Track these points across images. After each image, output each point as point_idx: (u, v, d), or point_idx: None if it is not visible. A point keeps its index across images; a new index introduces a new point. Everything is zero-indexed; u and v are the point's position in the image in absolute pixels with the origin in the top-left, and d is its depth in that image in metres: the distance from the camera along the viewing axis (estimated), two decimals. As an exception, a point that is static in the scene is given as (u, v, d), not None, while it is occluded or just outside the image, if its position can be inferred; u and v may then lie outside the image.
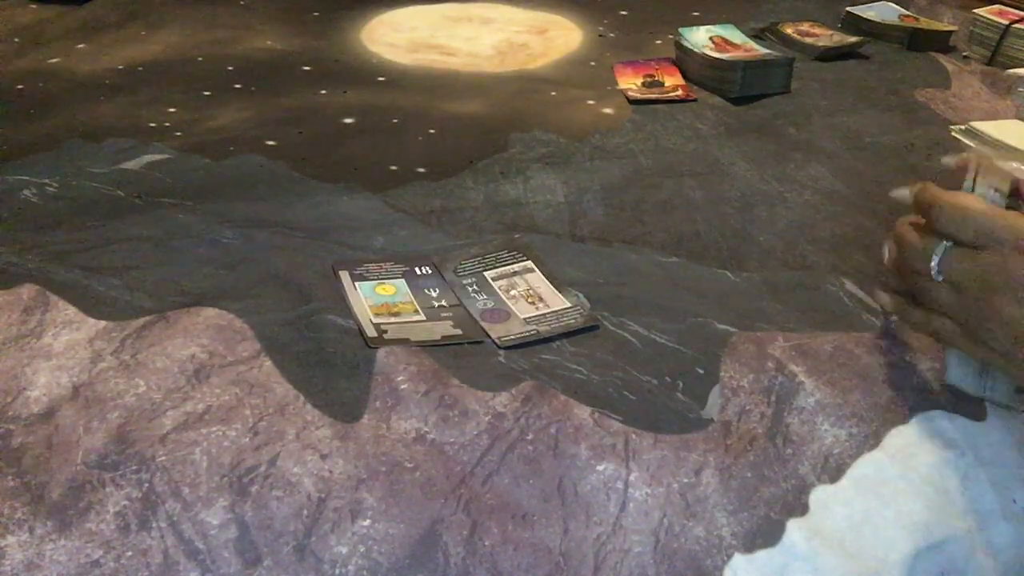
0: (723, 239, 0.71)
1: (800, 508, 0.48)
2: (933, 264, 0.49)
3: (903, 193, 0.53)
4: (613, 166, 0.84)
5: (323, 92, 1.01)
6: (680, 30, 1.09)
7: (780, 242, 0.71)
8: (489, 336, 0.58)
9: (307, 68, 1.09)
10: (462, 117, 0.95)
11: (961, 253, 0.48)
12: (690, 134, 0.91)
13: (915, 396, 0.53)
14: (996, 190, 0.49)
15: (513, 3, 1.34)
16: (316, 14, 1.30)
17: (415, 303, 0.62)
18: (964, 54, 1.14)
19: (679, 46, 1.07)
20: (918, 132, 0.91)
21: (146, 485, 0.46)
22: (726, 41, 1.07)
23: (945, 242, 0.49)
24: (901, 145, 0.88)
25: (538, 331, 0.59)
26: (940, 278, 0.49)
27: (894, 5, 1.22)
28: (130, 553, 0.43)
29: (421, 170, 0.82)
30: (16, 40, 1.17)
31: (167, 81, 1.04)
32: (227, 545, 0.44)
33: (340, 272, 0.64)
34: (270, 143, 0.88)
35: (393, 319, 0.59)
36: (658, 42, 1.19)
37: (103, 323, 0.57)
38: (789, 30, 1.17)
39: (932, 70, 1.07)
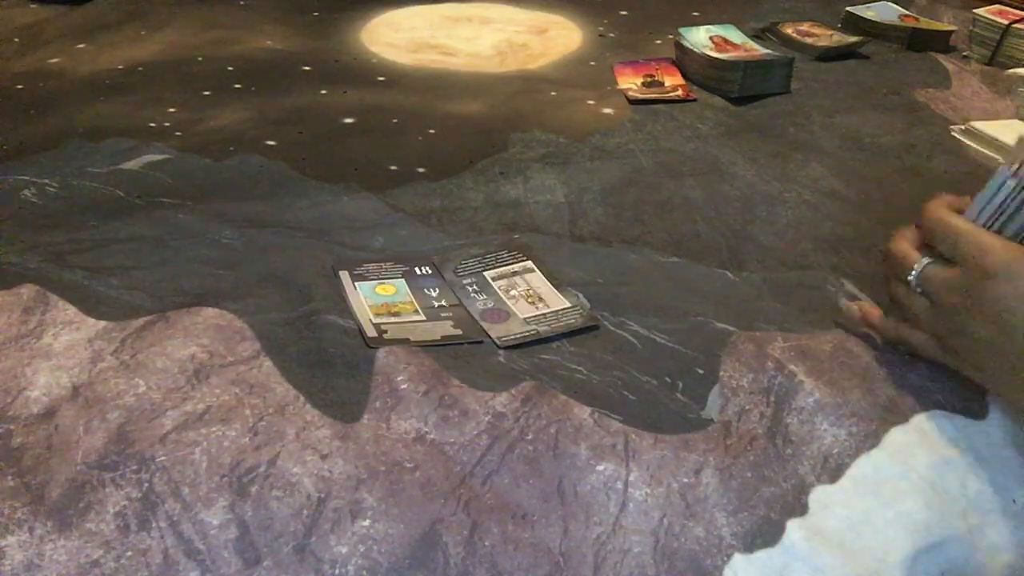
0: (723, 239, 0.71)
1: (800, 508, 0.48)
2: (912, 274, 0.52)
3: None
4: (613, 166, 0.84)
5: (323, 92, 1.01)
6: (680, 30, 1.09)
7: (780, 242, 0.71)
8: (489, 336, 0.58)
9: (307, 68, 1.09)
10: (462, 117, 0.95)
11: (940, 268, 0.50)
12: (690, 134, 0.91)
13: (915, 396, 0.53)
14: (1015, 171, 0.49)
15: (513, 3, 1.34)
16: (316, 14, 1.30)
17: (415, 303, 0.62)
18: (964, 54, 1.14)
19: (679, 46, 1.07)
20: (918, 132, 0.91)
21: (146, 485, 0.46)
22: (726, 41, 1.07)
23: (925, 256, 0.51)
24: (901, 145, 0.88)
25: (538, 331, 0.59)
26: (918, 289, 0.52)
27: (894, 5, 1.22)
28: (130, 553, 0.43)
29: (421, 170, 0.82)
30: (16, 40, 1.17)
31: (167, 81, 1.04)
32: (227, 545, 0.44)
33: (340, 272, 0.64)
34: (270, 143, 0.88)
35: (393, 319, 0.59)
36: (658, 42, 1.19)
37: (103, 323, 0.57)
38: (789, 30, 1.17)
39: (932, 70, 1.07)
